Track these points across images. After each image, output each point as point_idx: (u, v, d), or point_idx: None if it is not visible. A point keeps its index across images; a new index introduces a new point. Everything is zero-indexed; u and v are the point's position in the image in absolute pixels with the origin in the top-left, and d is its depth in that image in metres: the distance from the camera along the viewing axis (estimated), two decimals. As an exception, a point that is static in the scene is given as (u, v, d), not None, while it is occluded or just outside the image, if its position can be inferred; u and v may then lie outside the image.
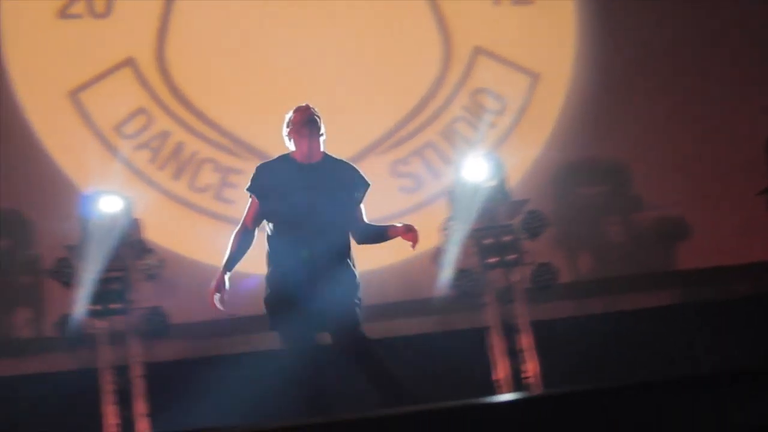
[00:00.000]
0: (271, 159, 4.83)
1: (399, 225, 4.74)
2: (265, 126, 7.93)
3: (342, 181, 4.63)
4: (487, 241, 6.99)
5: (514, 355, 6.83)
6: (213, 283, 4.54)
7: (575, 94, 8.17)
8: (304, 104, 4.70)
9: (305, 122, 4.58)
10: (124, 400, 6.56)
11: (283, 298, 4.50)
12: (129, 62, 7.90)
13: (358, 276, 4.65)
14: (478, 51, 8.26)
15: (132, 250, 6.74)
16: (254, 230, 4.69)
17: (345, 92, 7.97)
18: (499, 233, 7.00)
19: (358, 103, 7.98)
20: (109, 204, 6.71)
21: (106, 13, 7.92)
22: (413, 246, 4.64)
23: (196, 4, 8.01)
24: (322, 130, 4.66)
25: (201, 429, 4.44)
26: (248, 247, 4.69)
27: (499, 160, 7.17)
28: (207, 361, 6.88)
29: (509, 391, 6.67)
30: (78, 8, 7.89)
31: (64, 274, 6.65)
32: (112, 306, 6.66)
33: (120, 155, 7.62)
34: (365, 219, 4.78)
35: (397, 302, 7.33)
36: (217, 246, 7.42)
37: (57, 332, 6.54)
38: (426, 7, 8.29)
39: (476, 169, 7.05)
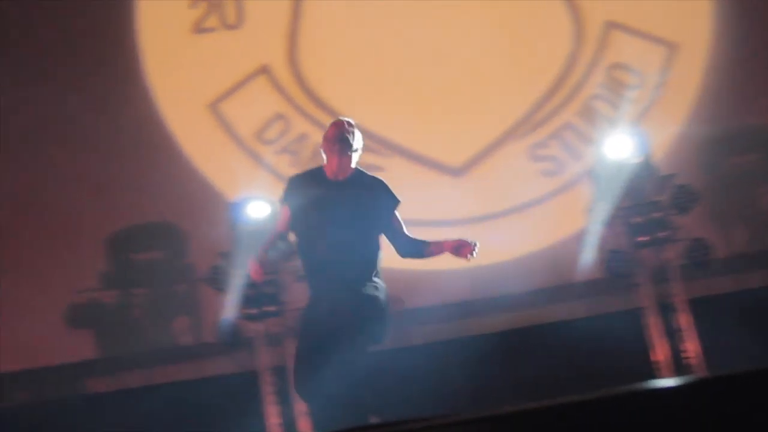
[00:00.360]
0: (304, 171, 4.83)
1: (446, 241, 4.62)
2: (402, 121, 8.04)
3: (367, 200, 4.60)
4: (636, 220, 6.81)
5: (673, 335, 6.65)
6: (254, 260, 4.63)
7: (716, 61, 7.87)
8: (341, 119, 4.65)
9: (336, 139, 4.56)
10: (285, 400, 6.71)
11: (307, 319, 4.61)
12: (264, 70, 8.05)
13: (382, 296, 4.59)
14: (610, 25, 8.06)
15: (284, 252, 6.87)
16: (286, 233, 4.77)
17: (478, 80, 7.92)
18: (647, 211, 6.81)
19: (491, 91, 7.92)
20: (257, 209, 6.84)
21: (237, 24, 8.09)
22: (468, 259, 4.54)
23: (325, 6, 8.10)
24: (355, 146, 4.60)
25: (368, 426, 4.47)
26: (276, 244, 4.82)
27: (643, 135, 6.97)
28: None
29: (670, 374, 6.49)
30: (211, 22, 8.09)
31: (219, 280, 6.81)
32: (267, 309, 6.79)
33: (263, 161, 7.78)
34: (405, 232, 4.69)
35: (545, 288, 7.23)
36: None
37: (215, 337, 6.72)
38: (553, -15, 8.15)
39: (619, 147, 6.88)
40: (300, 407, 6.63)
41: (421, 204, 7.63)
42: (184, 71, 8.03)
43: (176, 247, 7.59)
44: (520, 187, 7.65)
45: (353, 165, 4.60)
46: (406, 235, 4.69)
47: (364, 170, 4.68)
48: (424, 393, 6.73)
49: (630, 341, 6.57)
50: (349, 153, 4.55)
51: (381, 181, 4.70)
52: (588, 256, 7.00)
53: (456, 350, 7.00)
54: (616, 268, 6.76)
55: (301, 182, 4.66)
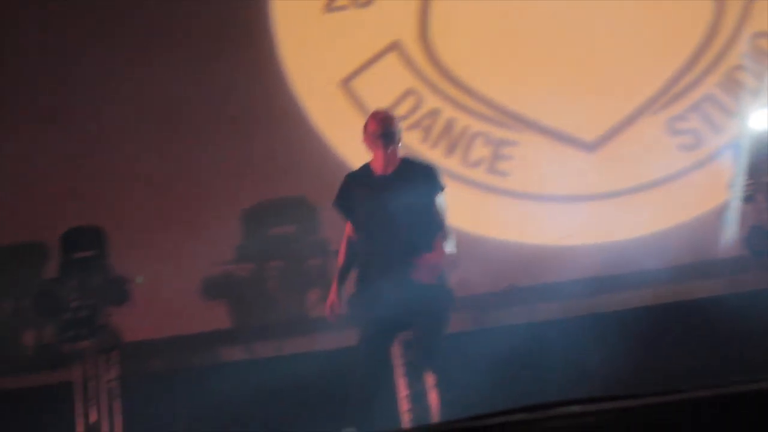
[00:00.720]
0: (357, 169, 4.95)
1: (435, 251, 4.60)
2: (534, 95, 7.92)
3: (416, 189, 4.53)
4: (785, 193, 6.54)
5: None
6: (329, 297, 4.82)
7: None
8: (381, 111, 4.61)
9: (380, 135, 4.52)
10: (415, 373, 6.72)
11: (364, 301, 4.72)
12: (394, 46, 8.07)
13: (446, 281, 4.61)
14: (756, -12, 7.74)
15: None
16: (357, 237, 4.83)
17: (613, 53, 7.73)
18: (792, 185, 6.53)
19: (627, 63, 7.71)
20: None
21: (368, 2, 8.13)
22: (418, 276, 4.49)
23: (455, -20, 8.06)
24: (398, 136, 4.55)
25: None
26: (356, 255, 4.85)
27: (789, 104, 6.69)
28: (487, 333, 6.89)
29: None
30: (342, 0, 8.15)
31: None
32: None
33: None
34: (443, 220, 4.69)
35: (681, 266, 7.01)
36: (493, 218, 7.57)
37: (347, 310, 6.76)
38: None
39: (763, 119, 6.61)
40: (429, 380, 6.65)
41: (553, 179, 7.56)
42: (317, 49, 8.12)
43: (310, 222, 7.71)
44: (656, 162, 7.44)
45: (399, 155, 4.59)
46: (443, 225, 4.66)
47: (412, 158, 4.67)
48: (552, 370, 6.68)
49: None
50: (393, 146, 4.55)
51: (429, 168, 4.69)
52: (728, 233, 6.77)
53: (588, 327, 6.89)
54: (757, 245, 6.50)
55: (352, 182, 4.69)
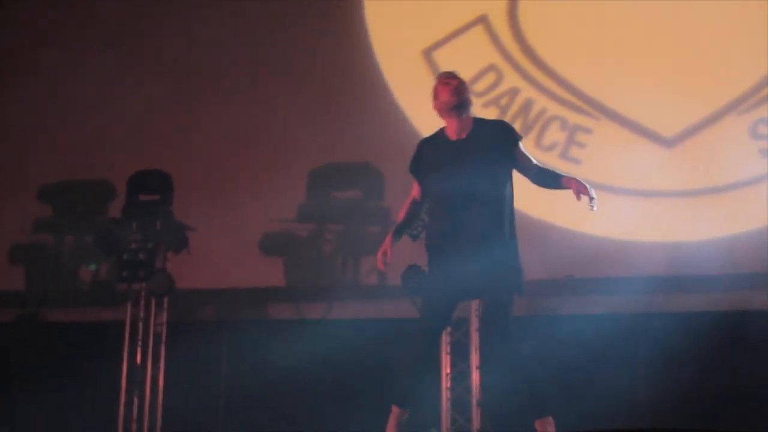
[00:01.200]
0: (431, 134, 4.80)
1: (573, 179, 4.56)
2: (616, 84, 7.75)
3: (491, 148, 4.44)
4: None
5: None
6: (382, 246, 4.66)
7: None
8: (450, 78, 4.51)
9: (453, 104, 4.42)
10: (460, 352, 6.72)
11: (434, 264, 4.57)
12: (481, 20, 7.97)
13: (516, 246, 4.54)
14: None
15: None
16: (422, 201, 4.78)
17: (700, 47, 7.50)
18: None
19: (716, 61, 7.48)
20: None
21: (460, -26, 8.04)
22: (580, 198, 4.47)
23: (550, -38, 7.90)
24: (470, 102, 4.46)
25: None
26: (416, 216, 4.87)
27: None
28: (538, 321, 6.81)
29: None
30: (433, -31, 8.07)
31: (413, 226, 6.84)
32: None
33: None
34: (535, 164, 4.63)
35: (748, 273, 6.82)
36: (561, 206, 7.45)
37: (402, 281, 6.77)
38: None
39: None
40: (474, 360, 6.64)
41: (626, 172, 7.40)
42: (403, 17, 8.07)
43: (375, 189, 7.69)
44: (735, 164, 7.22)
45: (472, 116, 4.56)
46: (537, 166, 4.61)
47: (482, 118, 4.61)
48: (603, 363, 6.59)
49: None
50: (467, 114, 4.50)
51: (501, 123, 4.71)
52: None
53: (644, 325, 6.79)
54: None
55: (427, 147, 4.66)
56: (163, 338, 7.00)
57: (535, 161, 4.66)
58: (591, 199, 4.50)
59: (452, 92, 4.56)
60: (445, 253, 4.49)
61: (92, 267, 7.42)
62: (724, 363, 6.69)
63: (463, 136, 4.57)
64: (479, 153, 4.51)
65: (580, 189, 4.51)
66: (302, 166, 7.75)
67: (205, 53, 8.07)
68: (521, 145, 4.63)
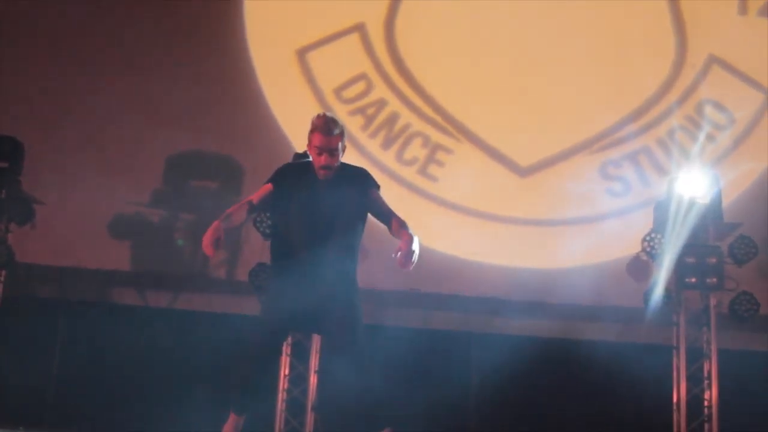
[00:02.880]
0: (301, 164, 4.82)
1: (405, 233, 4.50)
2: (481, 109, 7.96)
3: (350, 191, 4.61)
4: (690, 260, 6.68)
5: (697, 380, 6.53)
6: (213, 231, 4.39)
7: (810, 119, 7.63)
8: (326, 124, 4.55)
9: (324, 149, 4.53)
10: (300, 354, 6.73)
11: (278, 290, 4.56)
12: (358, 28, 8.04)
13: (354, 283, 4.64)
14: (713, 60, 7.86)
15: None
16: (257, 207, 4.69)
17: (567, 86, 7.80)
18: (703, 254, 6.68)
19: (578, 97, 7.79)
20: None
21: (343, -22, 8.09)
22: (397, 261, 4.42)
23: (430, -21, 8.04)
24: (341, 151, 4.59)
25: None
26: (244, 216, 4.68)
27: (717, 176, 6.83)
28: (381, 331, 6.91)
29: (686, 416, 6.40)
30: (318, -28, 8.10)
31: (266, 225, 6.84)
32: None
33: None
34: (390, 211, 4.67)
35: (586, 305, 7.13)
36: (413, 219, 7.58)
37: (250, 279, 6.71)
38: (665, 7, 7.97)
39: (690, 184, 6.74)
40: (313, 364, 6.68)
41: (481, 195, 7.62)
42: (282, 13, 8.05)
43: (233, 182, 7.64)
44: (582, 201, 7.53)
45: (339, 155, 4.60)
46: (391, 214, 4.67)
47: (347, 164, 4.69)
48: (437, 377, 6.76)
49: (654, 376, 6.48)
50: (336, 162, 4.57)
51: (363, 170, 4.73)
52: (632, 284, 6.90)
53: (481, 345, 6.99)
54: (657, 302, 6.62)
55: (293, 172, 4.69)
56: (-5, 313, 6.74)
57: (389, 209, 4.73)
58: (405, 261, 4.52)
59: (323, 138, 4.54)
60: (290, 276, 4.52)
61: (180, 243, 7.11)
62: (550, 386, 6.98)
63: (329, 177, 4.61)
64: (343, 187, 4.57)
65: (402, 246, 4.45)
66: (163, 150, 7.62)
67: (78, 29, 7.82)
68: (378, 192, 4.72)
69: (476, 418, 6.97)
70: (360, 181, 4.66)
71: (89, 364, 6.78)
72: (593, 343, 6.88)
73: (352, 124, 7.81)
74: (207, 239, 4.32)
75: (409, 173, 7.79)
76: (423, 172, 7.79)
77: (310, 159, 4.64)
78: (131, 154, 7.47)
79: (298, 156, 6.86)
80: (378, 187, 4.72)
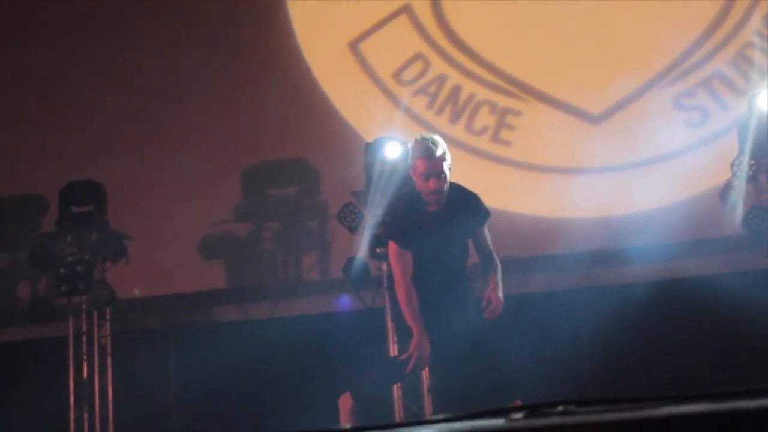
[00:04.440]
0: (404, 194, 4.93)
1: (493, 281, 4.64)
2: (541, 65, 7.86)
3: (461, 219, 4.58)
4: (786, 175, 6.48)
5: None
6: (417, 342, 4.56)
7: None
8: (423, 147, 4.49)
9: (429, 176, 4.45)
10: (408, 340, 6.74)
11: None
12: (405, 9, 7.99)
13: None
14: (773, -33, 7.60)
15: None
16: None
17: (621, 26, 7.63)
18: (797, 168, 6.47)
19: (638, 37, 7.61)
20: (391, 150, 6.82)
21: (380, -36, 8.05)
22: (486, 312, 4.55)
23: (469, -54, 7.95)
24: (448, 173, 4.51)
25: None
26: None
27: (799, 89, 6.60)
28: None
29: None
30: (354, -39, 8.07)
31: (350, 218, 6.87)
32: (378, 251, 6.78)
33: (399, 102, 7.76)
34: (487, 247, 4.75)
35: (682, 242, 6.97)
36: (495, 188, 7.53)
37: (344, 275, 6.79)
38: None
39: (771, 99, 6.53)
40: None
41: (556, 151, 7.51)
42: (326, 10, 8.06)
43: (310, 184, 7.70)
44: (661, 138, 7.37)
45: (446, 179, 4.55)
46: (486, 254, 4.70)
47: (459, 185, 4.64)
48: (548, 340, 6.69)
49: (763, 301, 6.30)
50: (445, 184, 4.52)
51: (473, 197, 4.67)
52: (729, 211, 6.72)
53: (585, 300, 6.90)
54: (756, 225, 6.44)
55: (403, 213, 4.69)
56: (108, 350, 6.91)
57: (489, 248, 4.76)
58: (492, 312, 4.57)
59: (429, 166, 4.50)
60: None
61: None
62: (663, 330, 6.85)
63: (438, 206, 4.58)
64: (454, 223, 4.60)
65: (491, 297, 4.57)
66: (235, 167, 7.71)
67: (131, 59, 7.96)
68: (485, 226, 4.72)
69: (591, 373, 6.88)
70: (471, 213, 4.62)
71: (205, 386, 6.90)
72: (698, 278, 6.74)
73: (416, 104, 7.79)
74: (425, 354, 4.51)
75: (482, 143, 7.73)
76: (495, 138, 7.72)
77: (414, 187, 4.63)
78: (207, 176, 7.57)
79: (368, 146, 6.88)
80: (487, 217, 4.68)
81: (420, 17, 7.99)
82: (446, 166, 4.51)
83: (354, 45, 7.99)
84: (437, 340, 4.55)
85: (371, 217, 6.73)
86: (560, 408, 1.54)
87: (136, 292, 7.17)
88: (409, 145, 4.61)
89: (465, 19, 7.95)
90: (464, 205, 4.64)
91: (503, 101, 7.79)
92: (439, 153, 4.46)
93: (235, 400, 6.77)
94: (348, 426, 4.59)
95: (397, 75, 7.93)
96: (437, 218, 4.58)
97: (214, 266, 7.54)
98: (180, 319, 7.34)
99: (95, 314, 6.94)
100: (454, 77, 7.88)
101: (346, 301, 7.14)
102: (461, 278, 4.73)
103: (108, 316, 6.96)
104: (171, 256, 7.33)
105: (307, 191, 7.69)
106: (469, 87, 7.84)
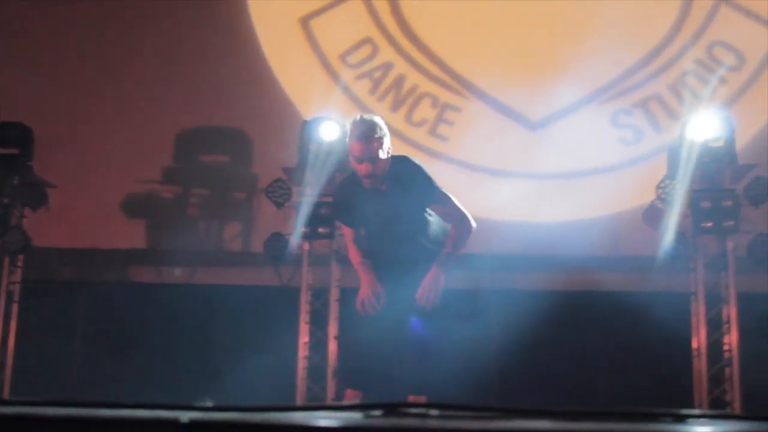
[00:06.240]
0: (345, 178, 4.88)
1: (426, 281, 4.58)
2: (487, 65, 7.90)
3: (406, 195, 4.55)
4: (705, 204, 6.62)
5: (716, 325, 6.51)
6: (369, 287, 4.61)
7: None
8: (360, 130, 4.45)
9: (362, 159, 4.43)
10: (318, 321, 6.78)
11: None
12: (361, -8, 7.99)
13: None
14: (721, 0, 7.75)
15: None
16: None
17: (573, 34, 7.71)
18: (718, 197, 6.61)
19: (585, 50, 7.67)
20: (328, 130, 6.80)
21: (341, -56, 8.01)
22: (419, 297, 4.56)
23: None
24: (384, 153, 4.47)
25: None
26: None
27: (730, 119, 6.74)
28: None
29: (706, 362, 6.39)
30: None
31: (278, 194, 6.85)
32: (321, 230, 6.80)
33: (342, 83, 7.75)
34: (453, 216, 4.69)
35: (602, 256, 7.09)
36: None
37: (265, 249, 6.78)
38: (671, -52, 7.87)
39: (703, 127, 6.66)
40: (332, 330, 6.72)
41: (492, 151, 7.57)
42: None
43: (243, 155, 7.65)
44: (594, 152, 7.49)
45: (386, 164, 4.50)
46: (454, 223, 4.69)
47: (405, 158, 4.61)
48: (459, 339, 6.75)
49: (673, 323, 6.45)
50: (380, 169, 4.47)
51: (417, 172, 4.58)
52: (650, 232, 6.85)
53: (499, 301, 6.98)
54: (673, 249, 6.58)
55: (348, 194, 4.67)
56: (15, 297, 6.79)
57: (451, 206, 4.71)
58: (420, 297, 4.56)
59: (361, 147, 4.39)
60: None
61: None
62: (570, 340, 6.98)
63: (378, 185, 4.53)
64: (397, 196, 4.52)
65: (424, 282, 4.57)
66: (170, 128, 7.63)
67: (83, 14, 7.81)
68: (436, 199, 4.65)
69: (498, 376, 6.97)
70: (413, 186, 4.54)
71: (110, 343, 6.84)
72: (612, 293, 6.86)
73: (359, 88, 7.79)
74: (369, 298, 4.54)
75: (419, 135, 7.77)
76: (433, 132, 7.76)
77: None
78: (140, 134, 7.48)
79: (306, 124, 6.86)
80: (431, 190, 4.59)
81: (374, 2, 7.99)
82: (383, 151, 4.43)
83: (305, 21, 7.95)
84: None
85: (300, 196, 6.72)
86: (415, 410, 1.57)
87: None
88: (348, 125, 4.55)
89: (419, 11, 7.97)
90: (406, 179, 4.59)
91: (445, 96, 7.83)
92: (375, 137, 4.40)
93: (138, 363, 6.71)
94: None
95: (344, 56, 7.92)
96: (379, 194, 4.56)
97: (135, 225, 7.45)
98: (93, 274, 7.24)
99: (7, 260, 6.82)
100: (400, 66, 7.90)
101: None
102: (422, 250, 4.65)
103: (20, 263, 6.84)
104: (93, 209, 7.24)
105: (239, 162, 7.64)
106: (413, 78, 7.87)
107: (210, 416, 1.59)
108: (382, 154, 4.43)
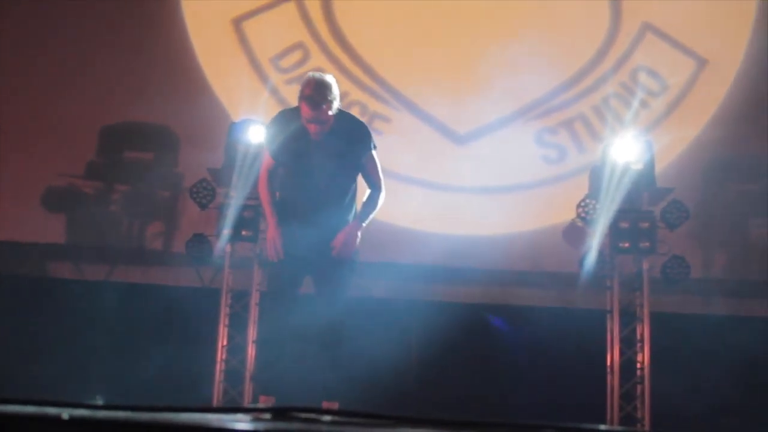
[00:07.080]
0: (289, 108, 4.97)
1: (342, 234, 4.81)
2: (420, 78, 7.97)
3: (346, 146, 4.75)
4: (623, 225, 6.78)
5: (630, 343, 6.67)
6: (271, 233, 4.83)
7: (741, 86, 7.74)
8: (309, 94, 4.60)
9: (310, 121, 4.58)
10: (238, 325, 6.74)
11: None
12: (294, -4, 7.99)
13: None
14: (647, 27, 7.95)
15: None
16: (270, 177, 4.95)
17: (502, 53, 7.81)
18: (636, 218, 6.77)
19: (513, 65, 7.81)
20: (255, 134, 6.78)
21: (278, -54, 8.00)
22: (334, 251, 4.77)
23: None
24: (332, 110, 4.60)
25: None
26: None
27: (650, 142, 6.92)
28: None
29: (618, 379, 6.54)
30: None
31: (202, 195, 6.81)
32: (244, 233, 6.77)
33: (271, 87, 7.73)
34: (373, 178, 4.96)
35: (522, 271, 7.21)
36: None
37: (186, 249, 6.72)
38: (600, -25, 8.05)
39: (624, 149, 6.82)
40: (251, 334, 6.68)
41: (418, 163, 7.64)
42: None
43: (168, 153, 7.57)
44: (518, 168, 7.61)
45: (331, 117, 4.62)
46: (371, 185, 4.89)
47: (350, 114, 4.74)
48: (379, 347, 6.79)
49: (589, 339, 6.60)
50: (327, 128, 4.61)
51: (361, 128, 4.78)
52: (568, 250, 6.99)
53: (417, 312, 7.03)
54: (591, 267, 6.72)
55: (286, 125, 4.72)
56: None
57: (376, 175, 4.94)
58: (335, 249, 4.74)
59: (309, 105, 4.58)
60: (290, 225, 4.73)
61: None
62: (485, 353, 7.07)
63: (321, 136, 4.63)
64: (337, 146, 4.68)
65: (338, 237, 4.78)
66: (94, 122, 7.51)
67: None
68: (371, 155, 4.84)
69: (416, 383, 7.02)
70: (356, 140, 4.67)
71: (23, 338, 6.70)
72: (529, 308, 6.98)
73: (289, 93, 7.77)
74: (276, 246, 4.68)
75: (346, 142, 7.77)
76: (360, 141, 7.78)
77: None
78: (63, 125, 7.35)
79: (233, 126, 6.83)
80: (372, 149, 4.78)
81: (308, 8, 8.00)
82: (332, 111, 4.61)
83: (238, 22, 7.92)
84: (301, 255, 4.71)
85: (225, 198, 6.69)
86: (305, 415, 1.59)
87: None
88: (303, 80, 4.68)
89: (351, 19, 8.00)
90: (349, 133, 4.71)
91: (374, 105, 7.87)
92: (324, 104, 4.54)
93: (50, 359, 6.58)
94: None
95: (274, 60, 7.90)
96: (317, 141, 4.66)
97: (54, 219, 7.30)
98: (8, 268, 7.08)
99: None
100: (331, 72, 7.89)
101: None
102: (338, 208, 4.81)
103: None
104: (11, 201, 7.09)
105: (164, 160, 7.56)
106: (343, 85, 7.84)
107: (93, 414, 1.60)
108: (331, 114, 4.63)
